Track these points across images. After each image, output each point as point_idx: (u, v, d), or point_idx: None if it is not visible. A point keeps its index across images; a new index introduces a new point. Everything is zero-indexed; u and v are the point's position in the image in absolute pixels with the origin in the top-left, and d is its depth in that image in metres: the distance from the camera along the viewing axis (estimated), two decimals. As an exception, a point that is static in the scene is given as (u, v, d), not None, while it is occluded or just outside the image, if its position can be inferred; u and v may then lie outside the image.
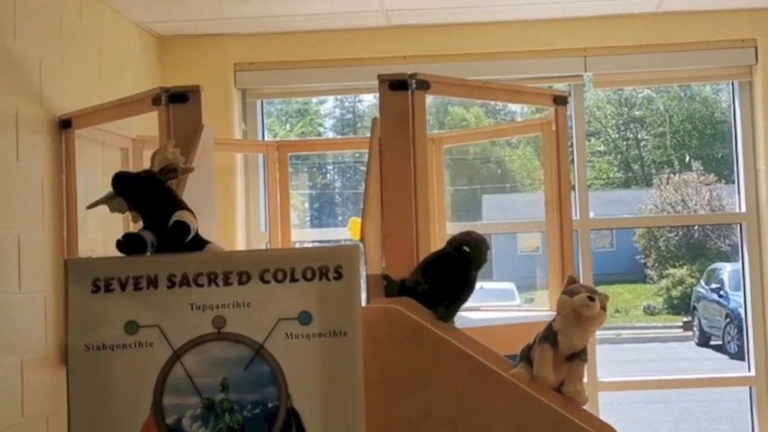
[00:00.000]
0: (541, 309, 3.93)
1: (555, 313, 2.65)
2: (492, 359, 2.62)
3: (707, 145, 17.13)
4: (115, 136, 4.17)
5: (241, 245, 4.88)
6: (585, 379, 4.78)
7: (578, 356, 2.59)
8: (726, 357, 12.84)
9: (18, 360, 3.43)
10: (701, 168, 16.38)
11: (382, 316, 2.60)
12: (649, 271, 17.05)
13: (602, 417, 4.98)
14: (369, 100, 14.15)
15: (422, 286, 2.75)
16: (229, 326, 2.36)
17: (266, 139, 5.36)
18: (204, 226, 2.71)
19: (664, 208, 15.88)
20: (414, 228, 3.11)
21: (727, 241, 15.57)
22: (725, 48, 4.87)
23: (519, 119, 13.22)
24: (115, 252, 2.47)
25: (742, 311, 5.28)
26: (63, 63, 3.87)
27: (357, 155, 11.15)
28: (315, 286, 2.38)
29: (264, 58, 4.99)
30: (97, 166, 4.16)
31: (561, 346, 2.55)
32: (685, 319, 15.36)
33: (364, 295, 2.68)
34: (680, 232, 16.53)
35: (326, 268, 2.38)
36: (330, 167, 15.73)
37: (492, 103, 12.68)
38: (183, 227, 2.49)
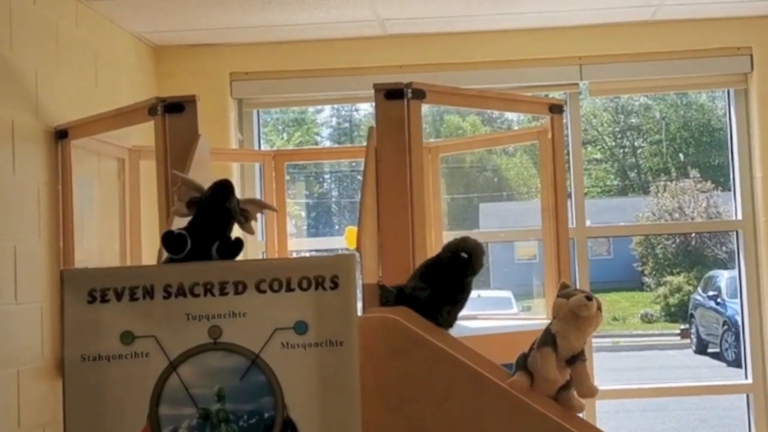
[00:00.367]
0: (539, 317, 3.92)
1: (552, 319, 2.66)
2: (489, 368, 2.62)
3: (704, 153, 17.16)
4: (111, 147, 4.16)
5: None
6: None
7: (578, 358, 2.60)
8: (724, 364, 12.83)
9: (15, 371, 3.42)
10: (698, 175, 16.41)
11: (379, 326, 2.60)
12: (646, 279, 17.07)
13: (600, 425, 4.99)
14: (366, 109, 14.18)
15: (422, 292, 2.75)
16: (225, 336, 2.36)
17: (263, 148, 5.36)
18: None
19: (661, 215, 15.90)
20: (410, 237, 3.12)
21: (724, 248, 15.59)
22: (720, 56, 4.88)
23: (515, 127, 13.26)
24: (111, 263, 2.47)
25: (739, 319, 5.28)
26: (59, 73, 3.87)
27: (354, 164, 11.16)
28: (311, 295, 2.38)
29: (260, 68, 5.00)
30: (93, 177, 4.16)
31: (560, 348, 2.56)
32: (682, 326, 15.37)
33: (360, 305, 2.68)
34: (677, 240, 16.54)
35: (322, 277, 2.38)
36: (327, 176, 15.76)
37: (488, 111, 12.69)
38: (240, 245, 2.54)
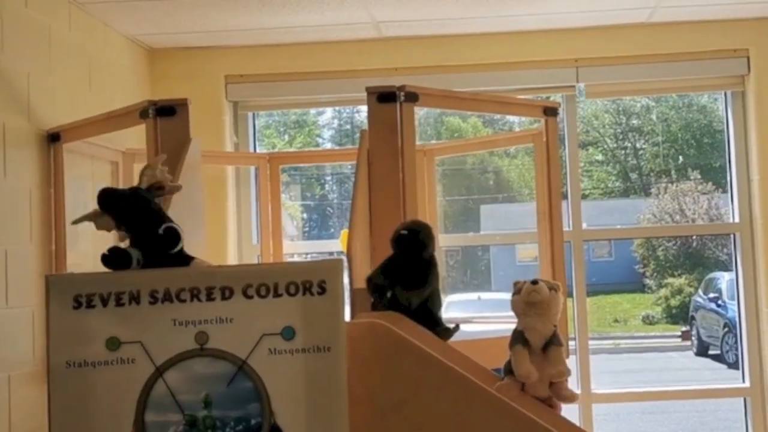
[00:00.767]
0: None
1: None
2: (478, 374, 2.60)
3: (705, 154, 17.12)
4: (104, 150, 4.16)
5: (232, 258, 4.87)
6: (578, 390, 4.76)
7: (551, 342, 2.59)
8: (724, 366, 12.79)
9: (5, 375, 3.41)
10: (699, 177, 16.37)
11: (367, 331, 2.58)
12: (647, 281, 17.02)
13: (598, 428, 4.98)
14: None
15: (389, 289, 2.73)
16: (212, 342, 2.34)
17: (263, 151, 5.35)
18: (191, 241, 2.69)
19: (662, 217, 15.85)
20: (402, 241, 3.09)
21: (725, 250, 15.53)
22: (717, 58, 4.87)
23: (517, 129, 13.22)
24: (104, 267, 2.46)
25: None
26: (52, 76, 3.86)
27: (352, 167, 11.13)
28: (298, 301, 2.35)
29: (255, 71, 4.99)
30: (86, 180, 4.14)
31: (531, 341, 2.57)
32: (683, 328, 15.32)
33: (348, 310, 2.66)
34: (678, 242, 16.50)
35: (309, 282, 2.36)
36: (328, 178, 15.73)
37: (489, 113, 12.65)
38: (174, 233, 2.48)
